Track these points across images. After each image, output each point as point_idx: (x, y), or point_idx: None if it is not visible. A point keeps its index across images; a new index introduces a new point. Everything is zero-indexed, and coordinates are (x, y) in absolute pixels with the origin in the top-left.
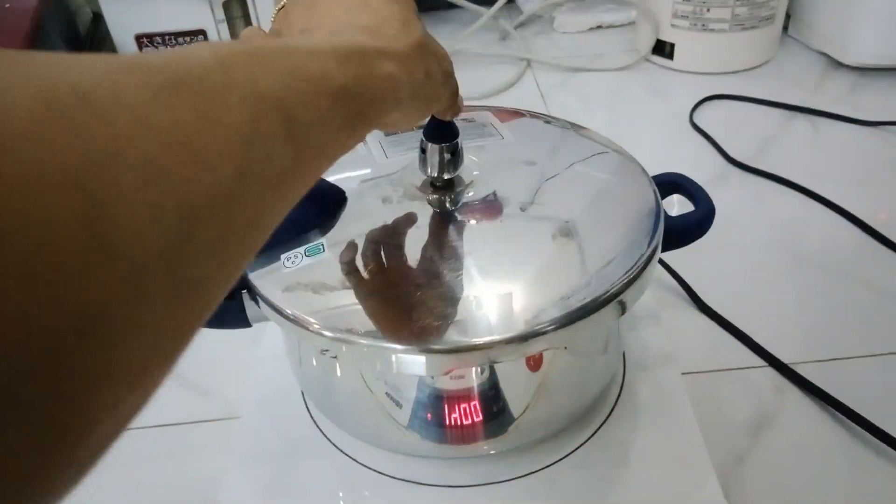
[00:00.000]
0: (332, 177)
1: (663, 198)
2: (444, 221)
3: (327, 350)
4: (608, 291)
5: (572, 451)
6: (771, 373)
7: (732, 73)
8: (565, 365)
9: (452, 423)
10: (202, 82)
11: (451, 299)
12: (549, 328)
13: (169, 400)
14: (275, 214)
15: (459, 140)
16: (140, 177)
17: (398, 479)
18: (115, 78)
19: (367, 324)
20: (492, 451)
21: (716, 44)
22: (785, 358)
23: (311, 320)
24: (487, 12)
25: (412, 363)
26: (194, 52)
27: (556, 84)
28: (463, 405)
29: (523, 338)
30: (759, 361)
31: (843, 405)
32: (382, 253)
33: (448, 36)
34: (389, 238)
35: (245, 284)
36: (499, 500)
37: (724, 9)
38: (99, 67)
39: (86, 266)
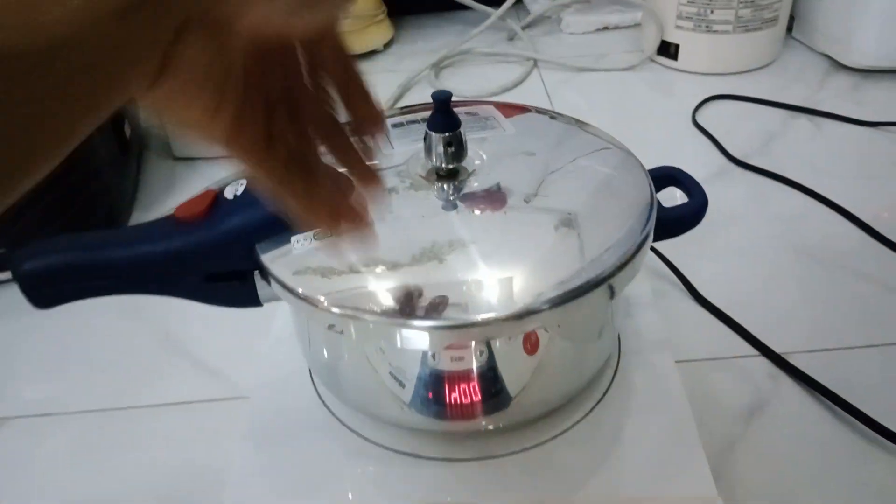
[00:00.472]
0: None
1: (659, 190)
2: (446, 208)
3: (334, 325)
4: (599, 275)
5: (566, 430)
6: (764, 362)
7: (736, 73)
8: (560, 346)
9: (452, 401)
10: None
11: (452, 281)
12: (543, 307)
13: (180, 380)
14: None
15: (462, 130)
16: None
17: (400, 452)
18: None
19: (374, 301)
20: (490, 427)
21: (720, 45)
22: (778, 348)
23: (320, 297)
24: (495, 13)
25: (415, 338)
26: None
27: (562, 83)
28: (463, 384)
29: (519, 315)
30: (753, 351)
31: (834, 394)
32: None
33: (456, 35)
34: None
35: (257, 265)
36: (495, 473)
37: (728, 10)
38: None
39: None
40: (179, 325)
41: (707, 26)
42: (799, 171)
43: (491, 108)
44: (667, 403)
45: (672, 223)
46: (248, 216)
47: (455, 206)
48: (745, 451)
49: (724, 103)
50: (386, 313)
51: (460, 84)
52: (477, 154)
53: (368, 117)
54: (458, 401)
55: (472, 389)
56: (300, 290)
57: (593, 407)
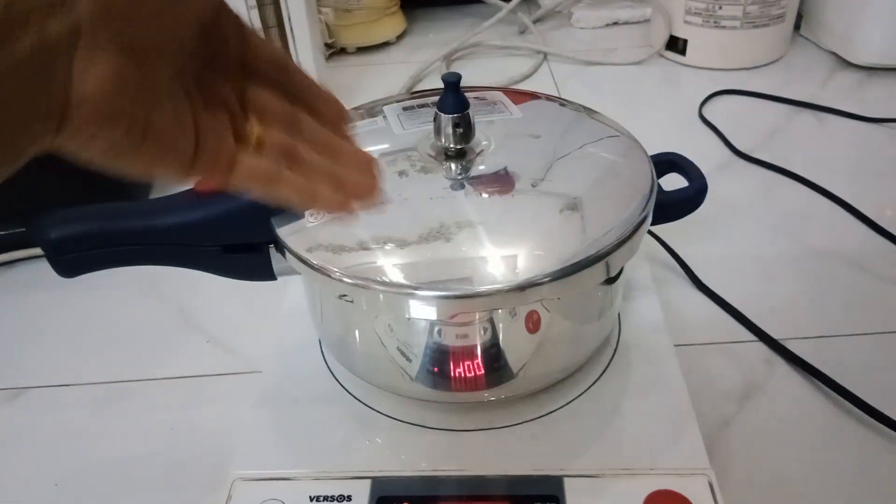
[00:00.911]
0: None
1: (661, 175)
2: (454, 188)
3: (345, 295)
4: (597, 252)
5: (567, 403)
6: (761, 347)
7: (742, 69)
8: (560, 322)
9: (457, 374)
10: None
11: (458, 257)
12: (543, 280)
13: (195, 354)
14: None
15: (470, 112)
16: None
17: (406, 422)
18: None
19: (383, 273)
20: (492, 399)
21: (727, 40)
22: (776, 334)
23: (333, 268)
24: (507, 6)
25: (422, 307)
26: None
27: (571, 76)
28: (467, 359)
29: (521, 287)
30: (751, 336)
31: (827, 376)
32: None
33: (468, 28)
34: None
35: (272, 237)
36: (497, 443)
37: (736, 6)
38: None
39: None
40: (194, 301)
41: (715, 22)
42: (802, 165)
43: (499, 93)
44: (664, 381)
45: (672, 207)
46: None
47: (462, 187)
48: (739, 429)
49: (730, 98)
50: (395, 284)
51: (471, 76)
52: (485, 136)
53: (325, 106)
54: (463, 374)
55: (476, 364)
56: (314, 262)
57: (593, 383)
